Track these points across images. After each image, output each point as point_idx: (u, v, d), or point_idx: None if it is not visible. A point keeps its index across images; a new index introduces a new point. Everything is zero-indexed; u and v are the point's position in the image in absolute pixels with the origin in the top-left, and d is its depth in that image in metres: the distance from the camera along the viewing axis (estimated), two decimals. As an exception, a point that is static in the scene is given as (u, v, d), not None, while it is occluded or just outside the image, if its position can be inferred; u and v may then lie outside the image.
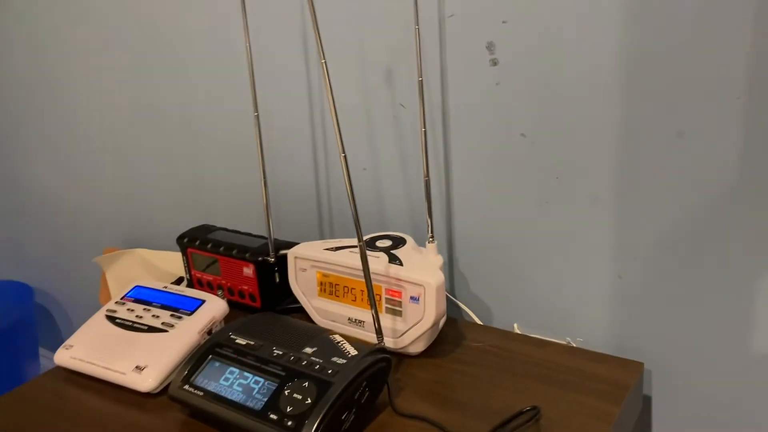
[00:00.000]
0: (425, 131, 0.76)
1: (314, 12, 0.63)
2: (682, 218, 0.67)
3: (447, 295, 0.86)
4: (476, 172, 0.80)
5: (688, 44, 0.62)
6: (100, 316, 0.78)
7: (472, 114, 0.78)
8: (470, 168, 0.80)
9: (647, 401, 0.75)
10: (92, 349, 0.73)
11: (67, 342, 0.75)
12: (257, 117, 0.81)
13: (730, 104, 0.61)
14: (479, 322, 0.84)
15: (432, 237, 0.76)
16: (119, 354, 0.71)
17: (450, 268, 0.86)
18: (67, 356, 0.74)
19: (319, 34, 0.61)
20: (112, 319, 0.77)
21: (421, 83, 0.73)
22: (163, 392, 0.69)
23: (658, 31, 0.63)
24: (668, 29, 0.63)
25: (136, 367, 0.69)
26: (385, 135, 0.86)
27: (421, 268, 0.70)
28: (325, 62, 0.61)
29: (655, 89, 0.65)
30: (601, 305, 0.75)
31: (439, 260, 0.76)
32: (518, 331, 0.82)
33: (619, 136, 0.68)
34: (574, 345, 0.77)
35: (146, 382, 0.68)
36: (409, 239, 0.77)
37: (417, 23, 0.74)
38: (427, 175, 0.75)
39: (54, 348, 1.70)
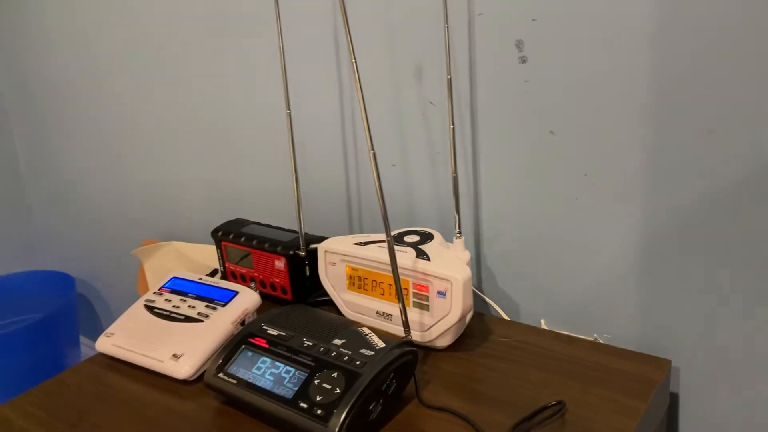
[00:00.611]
0: (454, 128, 0.77)
1: (345, 12, 0.65)
2: (711, 216, 0.67)
3: (474, 290, 0.87)
4: (504, 169, 0.80)
5: (720, 41, 0.62)
6: (139, 306, 0.81)
7: (501, 111, 0.78)
8: (498, 165, 0.81)
9: (674, 398, 0.75)
10: (132, 337, 0.76)
11: (108, 330, 0.78)
12: (289, 115, 0.83)
13: (761, 102, 0.61)
14: (506, 317, 0.85)
15: (459, 233, 0.77)
16: (157, 342, 0.74)
17: (477, 263, 0.87)
18: (108, 343, 0.77)
19: (349, 33, 0.63)
20: (150, 308, 0.80)
21: (450, 81, 0.74)
22: (199, 380, 0.72)
23: (690, 28, 0.63)
24: (700, 26, 0.62)
25: (173, 355, 0.72)
26: (414, 132, 0.87)
27: (448, 264, 0.72)
28: (356, 61, 0.63)
29: (687, 86, 0.65)
30: (629, 302, 0.75)
31: (466, 256, 0.77)
32: (545, 327, 0.82)
33: (649, 132, 0.68)
34: (601, 341, 0.77)
35: (183, 369, 0.71)
36: (437, 235, 0.78)
37: (446, 21, 0.75)
38: (455, 171, 0.76)
39: (93, 336, 1.76)
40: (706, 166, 0.66)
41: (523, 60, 0.74)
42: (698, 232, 0.68)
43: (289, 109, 0.83)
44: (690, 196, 0.68)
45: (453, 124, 0.75)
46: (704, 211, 0.67)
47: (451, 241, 0.79)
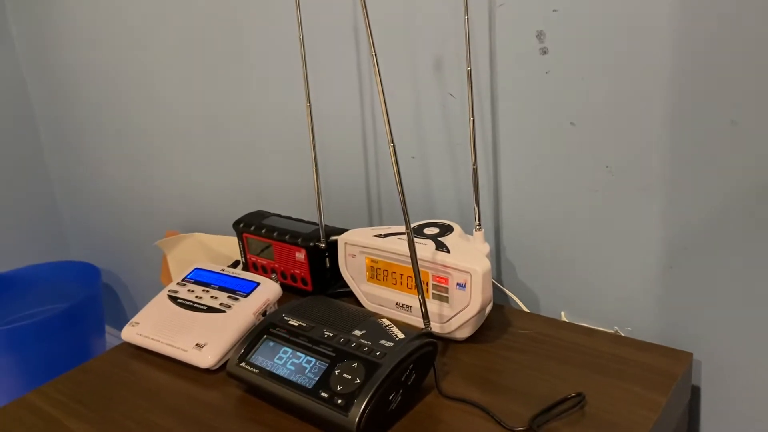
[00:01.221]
0: (473, 120, 0.77)
1: (365, 4, 0.65)
2: (733, 208, 0.66)
3: (494, 283, 0.87)
4: (524, 161, 0.80)
5: (744, 32, 0.61)
6: (163, 296, 0.82)
7: (521, 103, 0.78)
8: (518, 157, 0.80)
9: (696, 392, 0.74)
10: (156, 327, 0.78)
11: (134, 319, 0.80)
12: (309, 107, 0.83)
13: (787, 92, 0.60)
14: (526, 309, 0.85)
15: (479, 225, 0.77)
16: (181, 332, 0.76)
17: (497, 255, 0.87)
18: (133, 333, 0.79)
19: (369, 27, 0.63)
20: (174, 299, 0.81)
21: (470, 73, 0.74)
22: (221, 369, 0.73)
23: (713, 18, 0.62)
24: (724, 16, 0.61)
25: (197, 344, 0.74)
26: (433, 124, 0.87)
27: (468, 256, 0.72)
28: (376, 54, 0.63)
29: (710, 77, 0.64)
30: (651, 295, 0.75)
31: (486, 248, 0.77)
32: (565, 320, 0.82)
33: (671, 124, 0.68)
34: (622, 334, 0.77)
35: (206, 359, 0.72)
36: (457, 227, 0.78)
37: (467, 13, 0.75)
38: (475, 163, 0.76)
39: (119, 325, 1.79)
40: (729, 157, 0.65)
41: (544, 51, 0.74)
42: (722, 225, 0.67)
43: (309, 101, 0.83)
44: (714, 188, 0.67)
45: (473, 116, 0.75)
46: (728, 204, 0.66)
47: (471, 234, 0.79)
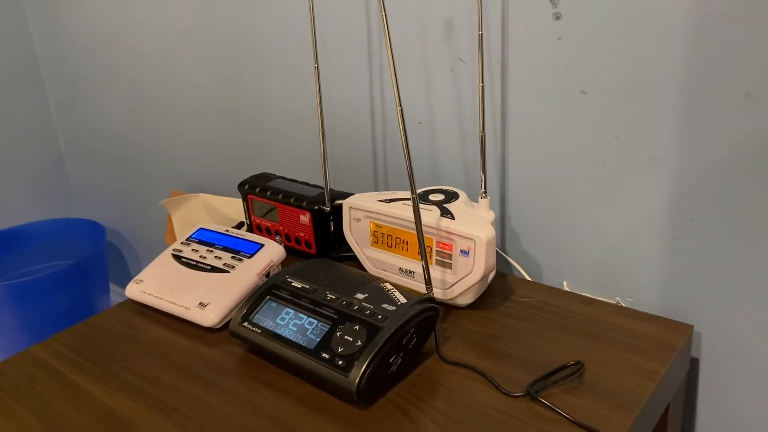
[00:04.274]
0: (483, 86, 0.76)
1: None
2: (743, 182, 0.65)
3: (497, 251, 0.87)
4: (533, 129, 0.79)
5: (762, 2, 0.59)
6: (167, 255, 0.83)
7: (532, 69, 0.77)
8: (527, 125, 0.80)
9: (695, 363, 0.75)
10: (160, 285, 0.78)
11: (138, 277, 0.81)
12: (317, 69, 0.82)
13: (805, 64, 0.59)
14: (528, 278, 0.85)
15: (485, 192, 0.76)
16: (184, 290, 0.76)
17: (502, 224, 0.86)
18: (137, 290, 0.79)
19: (380, -15, 0.62)
20: (178, 258, 0.82)
21: (481, 37, 0.72)
22: (224, 328, 0.74)
23: (733, -15, 0.60)
24: (744, -16, 0.60)
25: (200, 303, 0.74)
26: (442, 89, 0.86)
27: (473, 223, 0.72)
28: (386, 15, 0.62)
29: (725, 48, 0.63)
30: (654, 267, 0.75)
31: (490, 215, 0.77)
32: (567, 289, 0.82)
33: (684, 95, 0.67)
34: (624, 305, 0.77)
35: (209, 317, 0.73)
36: (462, 194, 0.78)
37: (479, -25, 0.73)
38: (483, 130, 0.75)
39: (122, 284, 1.80)
40: (741, 129, 0.64)
41: (558, 16, 0.73)
42: (728, 197, 0.67)
43: (317, 63, 0.82)
44: (723, 160, 0.66)
45: (482, 82, 0.74)
46: (736, 176, 0.66)
47: (477, 201, 0.78)
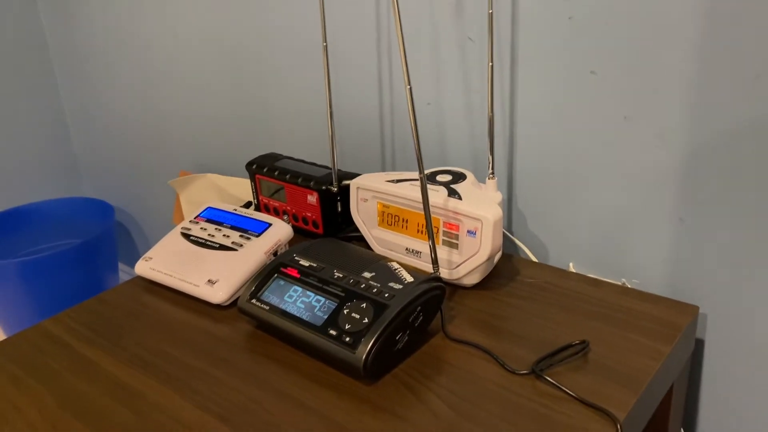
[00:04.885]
0: (492, 66, 0.76)
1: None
2: (751, 163, 0.65)
3: (504, 232, 0.87)
4: (541, 110, 0.79)
5: (778, -21, 0.59)
6: (176, 233, 0.83)
7: (542, 49, 0.76)
8: (536, 105, 0.79)
9: (700, 344, 0.75)
10: (169, 262, 0.79)
11: (147, 254, 0.81)
12: (325, 47, 0.82)
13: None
14: (535, 259, 0.85)
15: (492, 173, 0.77)
16: (193, 268, 0.77)
17: (509, 205, 0.86)
18: (146, 267, 0.80)
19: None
20: (186, 236, 0.82)
21: (491, 16, 0.72)
22: (232, 305, 0.75)
23: (747, -36, 0.60)
24: (758, -37, 0.59)
25: (209, 280, 0.75)
26: (450, 69, 0.86)
27: (480, 203, 0.72)
28: (395, -8, 0.62)
29: (736, 28, 0.62)
30: (660, 248, 0.75)
31: (498, 196, 0.77)
32: (573, 270, 0.83)
33: (695, 76, 0.66)
34: (629, 286, 0.77)
35: (217, 294, 0.74)
36: (470, 175, 0.78)
37: (490, -47, 0.73)
38: (492, 111, 0.75)
39: (130, 262, 1.82)
40: (750, 112, 0.64)
41: (568, -4, 0.72)
42: (736, 179, 0.67)
43: (325, 41, 0.82)
44: (731, 142, 0.66)
45: (492, 62, 0.74)
46: (744, 159, 0.66)
47: (484, 182, 0.78)
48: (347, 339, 0.60)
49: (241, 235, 0.81)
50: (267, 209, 0.96)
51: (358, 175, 0.86)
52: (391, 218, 0.80)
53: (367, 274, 0.67)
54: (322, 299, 0.65)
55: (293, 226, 0.93)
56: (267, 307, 0.67)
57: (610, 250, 0.79)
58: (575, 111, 0.76)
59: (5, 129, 1.68)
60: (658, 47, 0.68)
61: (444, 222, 0.74)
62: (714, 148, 0.67)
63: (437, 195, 0.74)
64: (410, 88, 0.63)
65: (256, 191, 0.96)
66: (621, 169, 0.75)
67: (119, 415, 0.58)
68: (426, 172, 0.80)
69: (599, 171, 0.77)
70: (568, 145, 0.78)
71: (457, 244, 0.73)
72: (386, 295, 0.63)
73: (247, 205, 1.01)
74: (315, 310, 0.65)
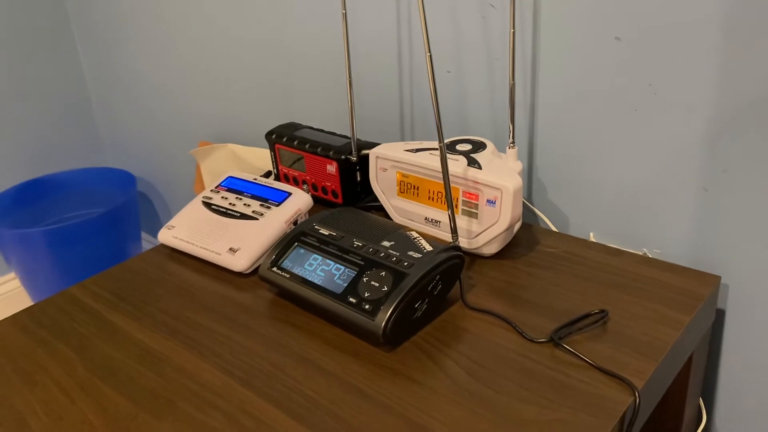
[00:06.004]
0: (514, 32, 0.75)
1: None
2: (781, 132, 0.64)
3: (524, 202, 0.87)
4: (564, 78, 0.78)
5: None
6: (197, 202, 0.84)
7: (565, 15, 0.75)
8: (558, 73, 0.78)
9: (721, 314, 0.74)
10: (191, 231, 0.80)
11: (170, 223, 0.83)
12: (345, 15, 0.81)
13: None
14: (555, 229, 0.85)
15: (513, 143, 0.76)
16: (215, 236, 0.78)
17: (529, 175, 0.86)
18: (169, 235, 0.81)
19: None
20: (208, 205, 0.83)
21: (512, -19, 0.71)
22: (253, 273, 0.76)
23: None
24: None
25: (230, 249, 0.76)
26: (471, 37, 0.84)
27: (500, 173, 0.71)
28: (415, -43, 0.61)
29: (769, -9, 0.60)
30: (683, 218, 0.74)
31: (518, 166, 0.76)
32: (594, 240, 0.82)
33: (722, 42, 0.64)
34: (651, 256, 0.77)
35: (239, 262, 0.75)
36: (490, 144, 0.77)
37: None
38: (513, 79, 0.74)
39: (152, 232, 1.85)
40: (781, 78, 0.62)
41: (593, -41, 0.70)
42: (761, 149, 0.65)
43: (345, 9, 0.81)
44: (757, 111, 0.64)
45: (513, 28, 0.72)
46: (774, 127, 0.64)
47: (504, 151, 0.78)
48: (367, 306, 0.61)
49: (261, 204, 0.81)
50: (287, 179, 0.96)
51: (377, 144, 0.86)
52: (411, 188, 0.80)
53: (386, 243, 0.67)
54: (342, 268, 0.66)
55: (313, 196, 0.93)
56: (287, 275, 0.68)
57: (631, 219, 0.78)
58: (598, 79, 0.75)
59: (28, 101, 1.70)
60: (685, 12, 0.66)
61: (463, 191, 0.74)
62: (740, 117, 0.66)
63: (457, 164, 0.74)
64: (430, 56, 0.63)
65: (275, 161, 0.97)
66: (644, 138, 0.74)
67: (144, 378, 0.60)
68: (446, 141, 0.80)
69: (621, 140, 0.76)
70: (590, 113, 0.77)
71: (477, 213, 0.73)
72: (405, 263, 0.63)
73: (267, 174, 1.02)
74: (335, 279, 0.65)
